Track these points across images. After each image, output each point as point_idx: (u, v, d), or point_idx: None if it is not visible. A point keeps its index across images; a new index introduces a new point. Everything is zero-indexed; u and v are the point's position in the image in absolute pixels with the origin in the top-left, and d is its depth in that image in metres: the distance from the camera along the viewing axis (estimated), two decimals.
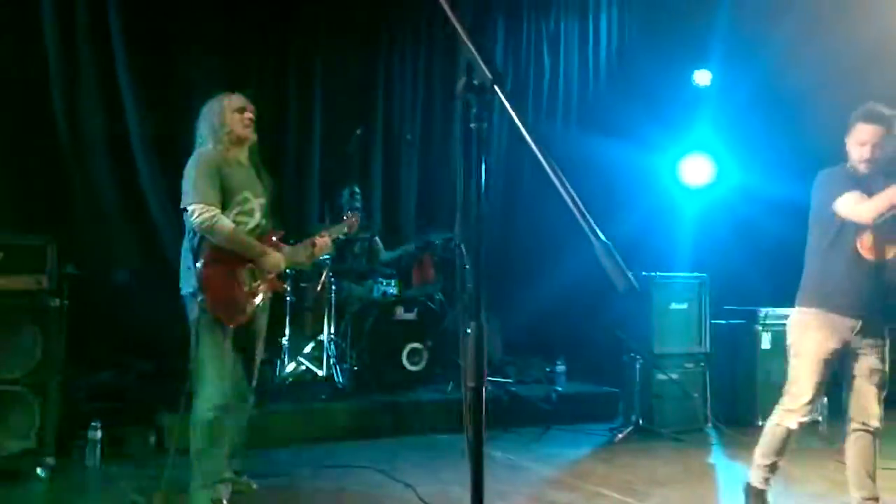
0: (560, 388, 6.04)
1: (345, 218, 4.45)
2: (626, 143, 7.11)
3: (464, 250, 6.71)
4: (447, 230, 6.34)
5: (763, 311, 5.93)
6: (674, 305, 5.82)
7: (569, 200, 1.59)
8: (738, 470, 4.80)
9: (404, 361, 5.77)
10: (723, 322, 6.14)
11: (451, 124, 7.38)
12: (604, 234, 5.60)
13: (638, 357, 5.66)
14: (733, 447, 5.32)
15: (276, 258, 3.69)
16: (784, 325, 5.80)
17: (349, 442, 5.06)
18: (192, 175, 3.50)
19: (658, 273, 5.87)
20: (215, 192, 3.49)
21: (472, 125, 1.88)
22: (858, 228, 3.49)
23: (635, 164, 7.23)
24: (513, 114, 1.80)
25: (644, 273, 5.92)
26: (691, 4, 7.59)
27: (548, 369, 6.29)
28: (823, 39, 6.75)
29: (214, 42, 6.34)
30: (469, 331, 1.90)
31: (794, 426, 3.63)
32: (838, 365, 3.61)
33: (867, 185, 3.50)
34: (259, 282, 3.67)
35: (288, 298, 5.66)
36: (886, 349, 3.61)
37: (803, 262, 3.77)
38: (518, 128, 1.81)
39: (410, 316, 5.91)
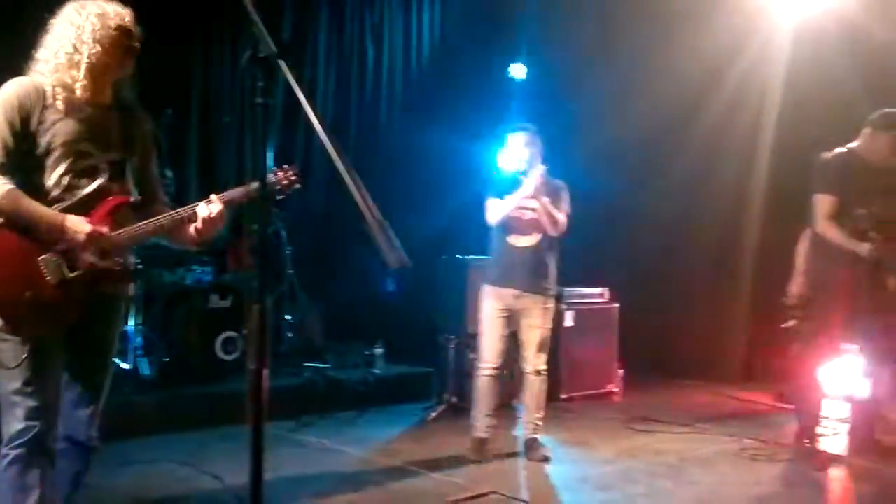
0: (378, 371, 6.12)
1: None
2: (448, 131, 7.29)
3: (284, 236, 6.58)
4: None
5: (567, 290, 6.28)
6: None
7: (346, 177, 1.62)
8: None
9: (218, 351, 5.62)
10: None
11: None
12: (428, 218, 5.72)
13: (452, 337, 5.83)
14: None
15: (76, 234, 2.47)
16: (587, 303, 6.27)
17: (155, 437, 4.80)
18: None
19: (472, 256, 6.07)
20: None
21: (258, 100, 1.87)
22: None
23: (457, 152, 7.43)
24: (297, 89, 1.81)
25: (459, 256, 6.14)
26: (503, 1, 7.93)
27: (366, 353, 6.35)
28: (622, 35, 7.29)
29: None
30: (255, 313, 1.86)
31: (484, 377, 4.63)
32: (508, 326, 4.61)
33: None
34: (81, 271, 2.52)
35: None
36: (544, 311, 4.57)
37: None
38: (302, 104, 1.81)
39: (226, 304, 5.77)
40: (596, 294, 6.57)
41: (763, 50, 6.88)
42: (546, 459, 4.59)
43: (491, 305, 4.63)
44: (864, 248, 4.31)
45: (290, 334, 6.31)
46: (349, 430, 5.26)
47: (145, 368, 5.42)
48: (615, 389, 6.46)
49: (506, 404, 5.89)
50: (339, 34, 7.83)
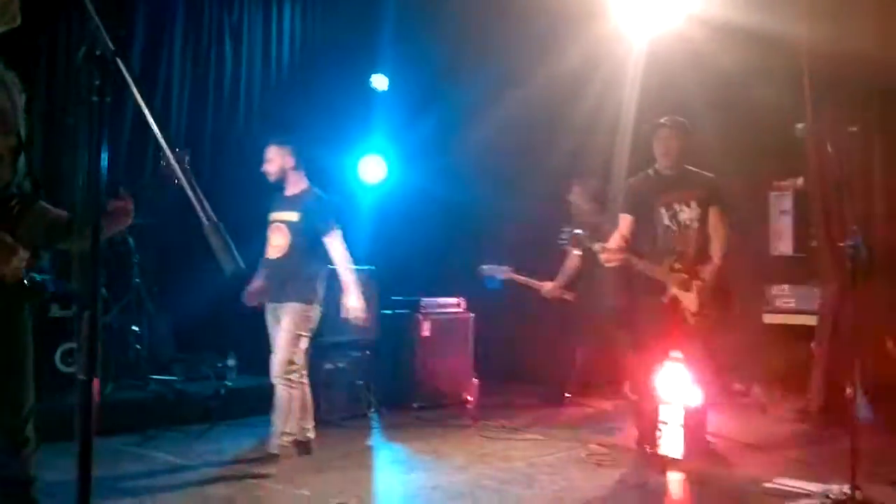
0: (229, 383, 5.94)
1: None
2: (308, 140, 7.19)
3: (131, 243, 6.27)
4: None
5: (424, 300, 6.35)
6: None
7: (182, 179, 1.58)
8: (393, 450, 5.14)
9: (58, 363, 5.30)
10: (389, 312, 6.47)
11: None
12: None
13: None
14: (392, 430, 5.67)
15: None
16: (443, 313, 6.36)
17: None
18: None
19: (329, 265, 6.01)
20: None
21: (93, 98, 1.79)
22: None
23: (318, 162, 7.34)
24: (134, 89, 1.75)
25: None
26: (370, 10, 7.94)
27: (219, 364, 6.16)
28: (480, 50, 7.46)
29: None
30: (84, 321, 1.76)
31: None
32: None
33: None
34: None
35: None
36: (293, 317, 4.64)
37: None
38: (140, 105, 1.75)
39: (67, 313, 5.44)
40: (452, 304, 6.69)
41: (617, 71, 7.20)
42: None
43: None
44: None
45: (137, 345, 6.02)
46: (198, 444, 5.08)
47: None
48: (469, 398, 6.58)
49: (363, 414, 5.91)
50: (196, 33, 7.56)
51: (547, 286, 6.33)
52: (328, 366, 5.80)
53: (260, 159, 4.82)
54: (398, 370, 6.36)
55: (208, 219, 1.52)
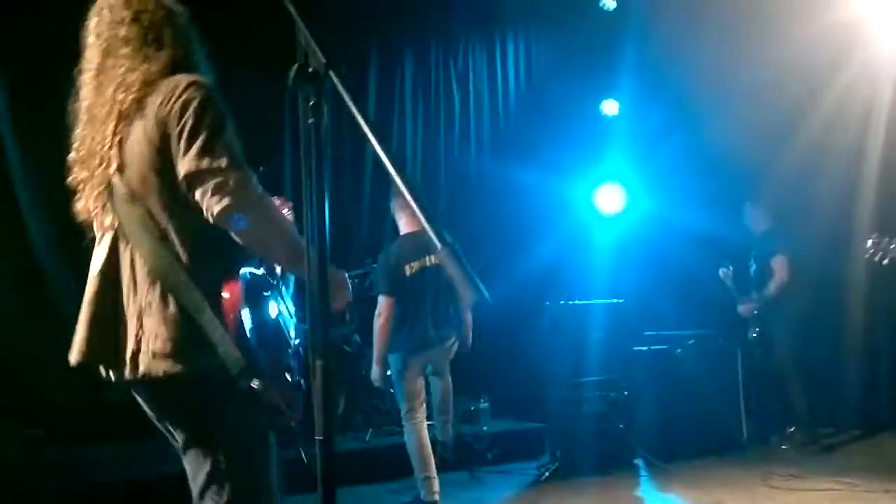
0: (485, 427, 5.72)
1: None
2: (539, 172, 6.99)
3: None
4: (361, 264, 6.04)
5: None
6: (593, 333, 5.60)
7: (411, 199, 1.32)
8: (668, 502, 4.59)
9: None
10: (644, 348, 5.95)
11: None
12: (521, 262, 5.19)
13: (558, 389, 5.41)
14: (662, 479, 5.12)
15: None
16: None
17: None
18: None
19: (575, 300, 5.68)
20: None
21: (309, 121, 1.59)
22: None
23: (549, 192, 7.11)
24: (350, 104, 1.52)
25: (562, 301, 5.73)
26: (598, 36, 7.60)
27: (472, 407, 5.96)
28: (725, 68, 6.79)
29: None
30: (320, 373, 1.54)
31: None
32: None
33: None
34: None
35: None
36: None
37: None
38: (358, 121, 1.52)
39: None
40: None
41: (866, 64, 6.26)
42: None
43: None
44: None
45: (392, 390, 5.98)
46: (462, 492, 4.91)
47: None
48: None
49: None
50: (424, 81, 7.69)
51: None
52: (585, 409, 5.39)
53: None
54: (660, 412, 5.76)
55: (442, 241, 1.23)
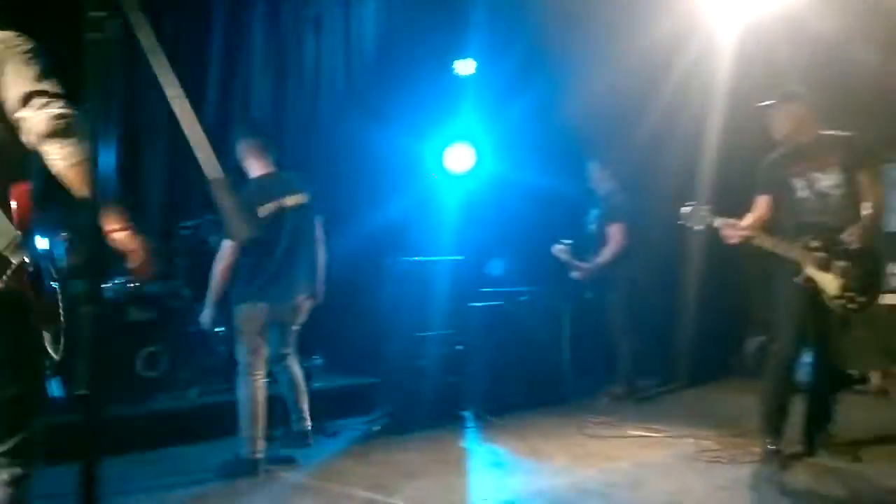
0: (315, 384, 5.67)
1: None
2: (393, 129, 6.93)
3: (211, 241, 5.90)
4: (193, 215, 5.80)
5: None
6: (432, 289, 5.67)
7: (185, 127, 1.25)
8: (493, 454, 4.74)
9: (138, 368, 5.18)
10: (480, 304, 6.09)
11: None
12: (371, 218, 5.05)
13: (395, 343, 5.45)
14: (488, 431, 5.30)
15: None
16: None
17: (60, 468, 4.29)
18: None
19: (418, 257, 5.72)
20: None
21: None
22: None
23: (402, 150, 7.07)
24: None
25: (403, 258, 5.76)
26: None
27: (304, 365, 5.90)
28: (577, 29, 6.94)
29: None
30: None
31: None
32: None
33: None
34: None
35: None
36: None
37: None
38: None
39: (148, 316, 5.33)
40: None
41: (706, 48, 6.60)
42: None
43: None
44: None
45: (221, 347, 5.82)
46: (283, 449, 4.80)
47: (57, 390, 4.91)
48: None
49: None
50: (275, 27, 7.42)
51: None
52: (419, 362, 5.46)
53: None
54: (492, 366, 5.94)
55: (214, 174, 1.18)
